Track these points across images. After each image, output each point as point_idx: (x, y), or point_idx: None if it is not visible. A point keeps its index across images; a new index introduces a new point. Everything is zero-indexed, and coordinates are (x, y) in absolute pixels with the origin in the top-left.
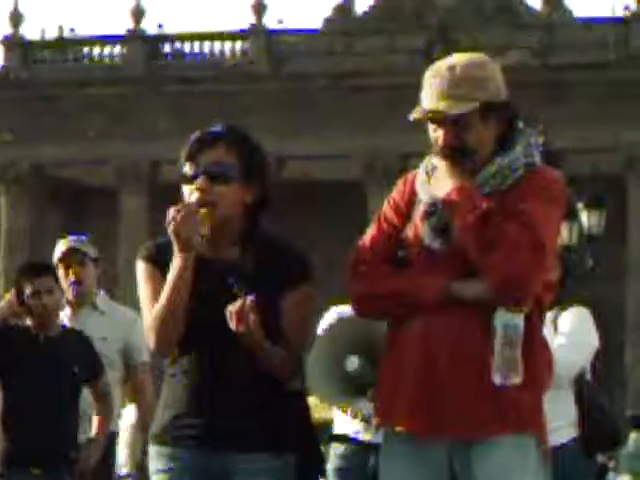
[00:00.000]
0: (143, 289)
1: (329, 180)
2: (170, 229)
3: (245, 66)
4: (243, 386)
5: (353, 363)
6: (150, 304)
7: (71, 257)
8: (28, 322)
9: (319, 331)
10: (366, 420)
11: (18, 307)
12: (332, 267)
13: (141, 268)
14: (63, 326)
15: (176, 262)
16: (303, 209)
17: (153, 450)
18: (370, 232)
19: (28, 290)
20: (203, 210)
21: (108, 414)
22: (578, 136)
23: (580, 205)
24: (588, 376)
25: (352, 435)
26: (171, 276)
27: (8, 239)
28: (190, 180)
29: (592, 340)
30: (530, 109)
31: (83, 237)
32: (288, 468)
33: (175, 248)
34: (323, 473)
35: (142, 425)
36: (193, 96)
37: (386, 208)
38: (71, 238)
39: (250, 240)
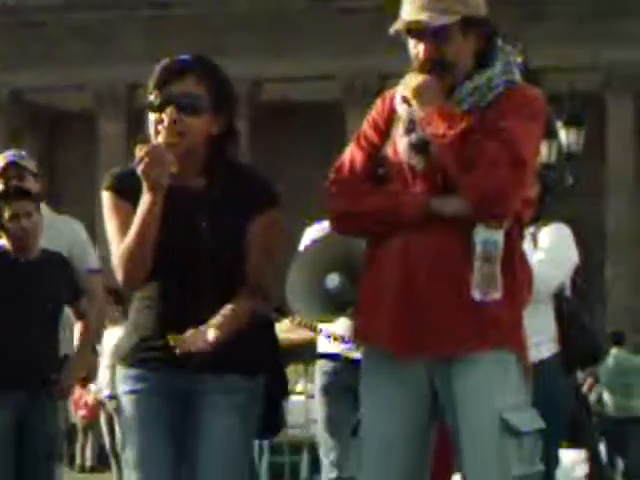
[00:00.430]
0: (109, 221)
1: (308, 101)
2: (139, 169)
3: None
4: (212, 311)
5: (333, 280)
6: (117, 236)
7: (10, 171)
8: (7, 245)
9: (300, 248)
10: (342, 340)
11: None
12: (311, 187)
13: (106, 198)
14: (42, 249)
15: (145, 198)
16: (282, 131)
17: (121, 372)
18: (349, 150)
19: (6, 214)
20: (170, 155)
21: (88, 335)
22: (557, 54)
23: (559, 123)
24: (568, 292)
25: (338, 352)
26: (140, 211)
27: None
28: (157, 108)
29: (571, 255)
30: (509, 27)
31: (23, 153)
32: (258, 389)
33: (144, 186)
34: (286, 395)
35: (89, 338)
36: (168, 19)
37: (365, 127)
38: (8, 153)
39: (216, 169)
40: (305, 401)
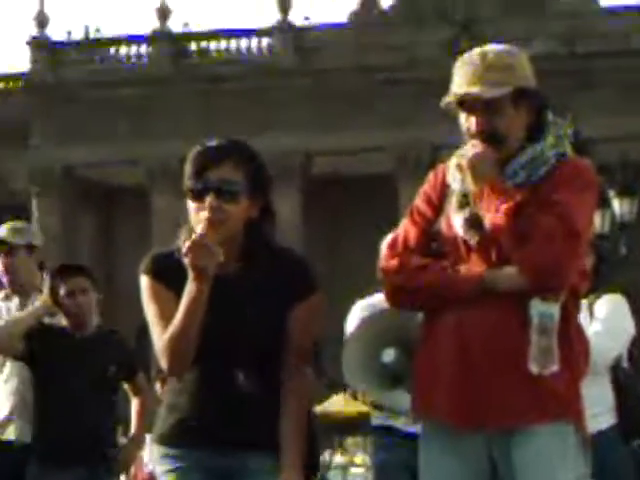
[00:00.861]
0: (149, 306)
1: (359, 174)
2: (187, 261)
3: (272, 62)
4: (249, 397)
5: (389, 355)
6: (159, 322)
7: None
8: (63, 322)
9: (350, 324)
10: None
11: (53, 306)
12: (363, 261)
13: (145, 282)
14: (98, 326)
15: (191, 287)
16: (334, 203)
17: (159, 451)
18: (403, 225)
19: (62, 290)
20: (216, 240)
21: (146, 410)
22: (606, 124)
23: (612, 193)
24: (625, 363)
25: (397, 426)
26: (186, 300)
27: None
28: (196, 196)
29: (628, 326)
30: (558, 98)
31: (19, 225)
32: None
33: (190, 276)
34: (317, 470)
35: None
36: (220, 94)
37: (418, 201)
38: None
39: (255, 254)
40: (365, 473)
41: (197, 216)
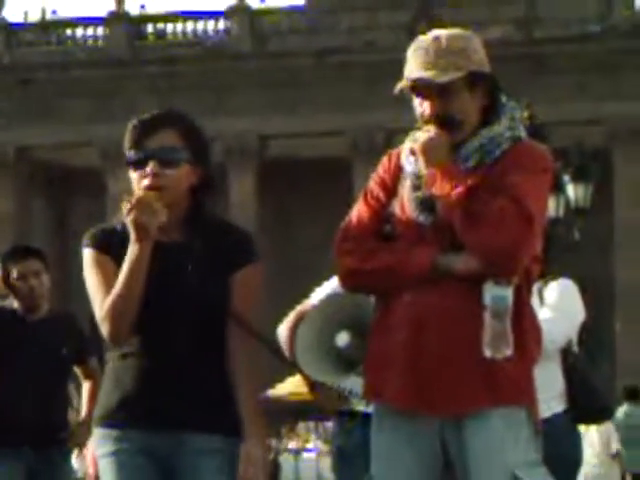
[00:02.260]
0: (91, 276)
1: (314, 157)
2: (130, 219)
3: (228, 45)
4: (191, 367)
5: (343, 339)
6: (100, 291)
7: None
8: (15, 305)
9: (309, 304)
10: (351, 396)
11: (4, 289)
12: (318, 246)
13: (87, 255)
14: (50, 309)
15: (134, 250)
16: (288, 187)
17: (99, 432)
18: (357, 208)
19: (14, 273)
20: (158, 201)
21: (97, 393)
22: (561, 109)
23: (566, 178)
24: (575, 348)
25: (357, 409)
26: (128, 263)
27: None
28: (137, 165)
29: (578, 312)
30: (514, 83)
31: None
32: (235, 450)
33: (132, 237)
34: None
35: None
36: (176, 76)
37: (372, 184)
38: None
39: (196, 223)
40: (317, 458)
41: (139, 185)
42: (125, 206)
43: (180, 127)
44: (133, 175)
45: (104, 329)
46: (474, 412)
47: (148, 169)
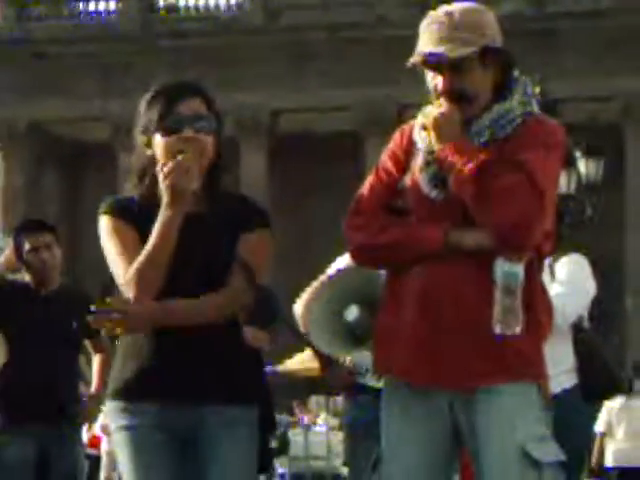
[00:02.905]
0: (110, 242)
1: (326, 132)
2: (166, 182)
3: (240, 19)
4: (208, 339)
5: (352, 313)
6: (122, 256)
7: None
8: (27, 278)
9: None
10: (365, 372)
11: (17, 263)
12: (330, 221)
13: (106, 221)
14: (62, 282)
15: (166, 215)
16: (301, 162)
17: (114, 405)
18: (369, 182)
19: (27, 246)
20: (195, 166)
21: (108, 367)
22: (574, 85)
23: (578, 154)
24: (586, 323)
25: (368, 384)
26: (160, 228)
27: (5, 197)
28: (169, 131)
29: (589, 287)
30: (526, 58)
31: None
32: (254, 421)
33: (166, 201)
34: (274, 430)
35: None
36: (189, 50)
37: (384, 159)
38: None
39: (212, 193)
40: (327, 433)
41: (169, 150)
42: (162, 170)
43: (204, 96)
44: (162, 141)
45: (131, 291)
46: (484, 387)
47: (185, 133)
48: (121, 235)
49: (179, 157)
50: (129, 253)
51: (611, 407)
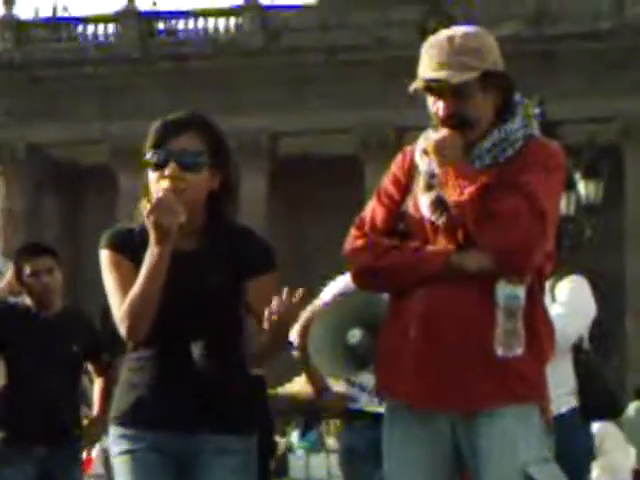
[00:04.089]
0: (109, 276)
1: (326, 155)
2: (150, 220)
3: (239, 42)
4: (207, 371)
5: (355, 336)
6: (119, 292)
7: None
8: (28, 302)
9: (321, 303)
10: (362, 396)
11: (18, 287)
12: (329, 244)
13: (105, 256)
14: (64, 305)
15: (153, 252)
16: (301, 184)
17: (116, 432)
18: (370, 206)
19: (27, 270)
20: (180, 203)
21: (110, 390)
22: (573, 106)
23: (577, 175)
24: (586, 344)
25: (365, 409)
26: (148, 266)
27: (5, 220)
28: (157, 167)
29: (589, 308)
30: (525, 80)
31: None
32: (252, 449)
33: (152, 238)
34: (273, 454)
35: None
36: (188, 72)
37: (386, 182)
38: None
39: (215, 229)
40: (326, 455)
41: (158, 185)
42: (145, 207)
43: (203, 131)
44: (152, 175)
45: (123, 329)
46: (487, 409)
47: (167, 171)
48: (118, 270)
49: (159, 194)
50: (125, 289)
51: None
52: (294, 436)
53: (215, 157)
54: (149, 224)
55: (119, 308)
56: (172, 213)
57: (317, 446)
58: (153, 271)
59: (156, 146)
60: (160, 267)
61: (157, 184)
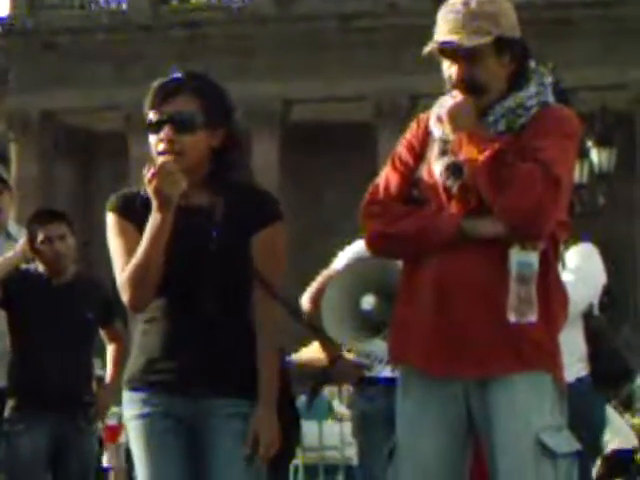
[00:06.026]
0: (114, 242)
1: (338, 122)
2: (151, 187)
3: (252, 9)
4: (216, 331)
5: (368, 302)
6: (122, 258)
7: None
8: (41, 268)
9: (335, 270)
10: (374, 362)
11: (30, 253)
12: (343, 208)
13: (111, 219)
14: (77, 272)
15: (155, 219)
16: (311, 152)
17: (128, 396)
18: (385, 172)
19: (40, 236)
20: (178, 168)
21: (122, 357)
22: (586, 74)
23: (590, 143)
24: (596, 311)
25: (378, 376)
26: (149, 231)
27: (19, 187)
28: (154, 129)
29: (599, 275)
30: (538, 47)
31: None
32: None
33: (154, 205)
34: (298, 425)
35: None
36: (200, 39)
37: (400, 148)
38: None
39: (219, 184)
40: (340, 423)
41: (156, 149)
42: (146, 174)
43: (199, 90)
44: (152, 139)
45: (124, 297)
46: (500, 376)
47: (162, 134)
48: (122, 235)
49: (160, 160)
50: (127, 254)
51: None
52: (301, 401)
53: (213, 115)
54: (150, 191)
55: (120, 275)
56: (173, 180)
57: (326, 413)
58: (154, 238)
59: (152, 109)
60: (161, 234)
61: (155, 147)
